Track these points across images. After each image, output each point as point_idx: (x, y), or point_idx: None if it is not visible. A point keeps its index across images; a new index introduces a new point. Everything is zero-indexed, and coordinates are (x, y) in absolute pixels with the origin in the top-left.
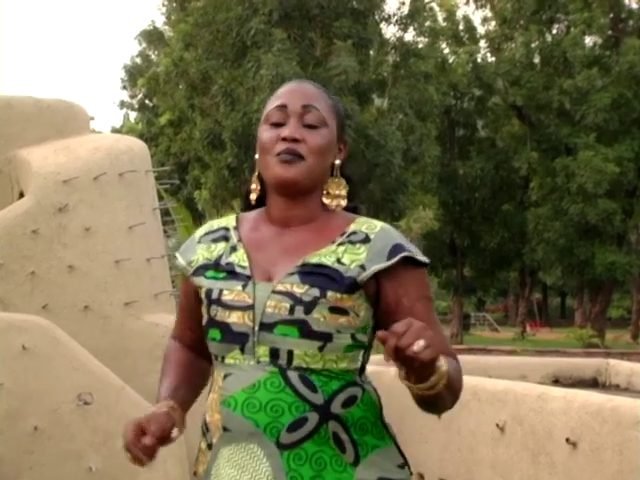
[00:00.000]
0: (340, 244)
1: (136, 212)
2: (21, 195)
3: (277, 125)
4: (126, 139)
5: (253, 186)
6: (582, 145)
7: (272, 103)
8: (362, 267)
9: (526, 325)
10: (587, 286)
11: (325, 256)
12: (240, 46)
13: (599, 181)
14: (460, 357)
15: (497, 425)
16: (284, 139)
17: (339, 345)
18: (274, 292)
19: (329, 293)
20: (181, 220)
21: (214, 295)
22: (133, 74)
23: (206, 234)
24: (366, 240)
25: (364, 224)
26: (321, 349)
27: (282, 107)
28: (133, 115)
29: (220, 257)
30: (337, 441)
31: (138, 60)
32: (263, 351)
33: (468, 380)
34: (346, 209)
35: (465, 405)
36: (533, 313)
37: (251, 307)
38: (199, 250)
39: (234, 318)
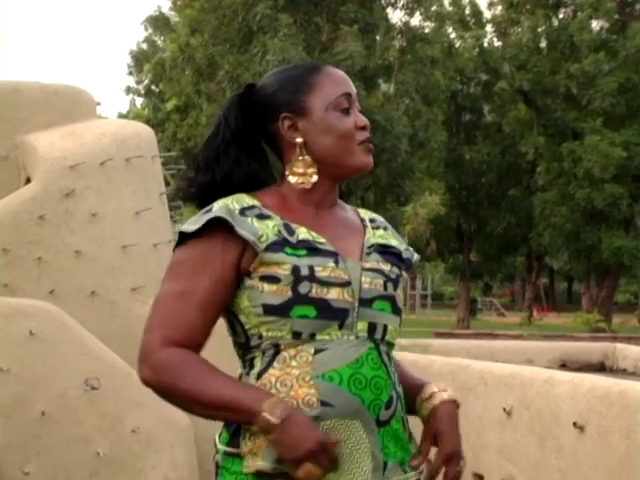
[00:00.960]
0: (374, 228)
1: (143, 197)
2: (28, 181)
3: (347, 112)
4: (132, 124)
5: (310, 170)
6: (589, 130)
7: (333, 89)
8: (408, 250)
9: (533, 310)
10: (594, 271)
11: (377, 238)
12: (246, 31)
13: (606, 166)
14: (467, 342)
15: (504, 409)
16: (364, 128)
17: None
18: (364, 269)
19: (403, 272)
20: (187, 205)
21: (304, 272)
22: (139, 60)
23: (244, 209)
24: (385, 226)
25: (367, 212)
26: (400, 324)
27: (348, 95)
28: (139, 101)
29: (281, 234)
30: (402, 419)
31: (144, 46)
32: (362, 326)
33: (475, 365)
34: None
35: (472, 389)
36: (540, 298)
37: (349, 283)
38: (255, 224)
39: (333, 294)
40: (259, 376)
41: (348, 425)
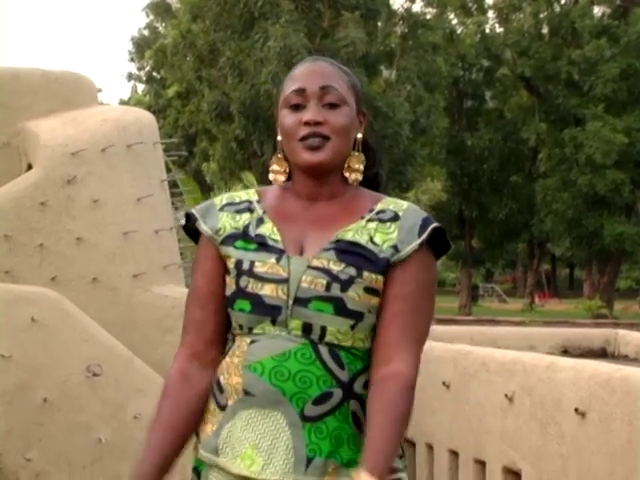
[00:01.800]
0: (369, 220)
1: (144, 184)
2: (29, 167)
3: (297, 108)
4: (134, 111)
5: (277, 167)
6: (590, 116)
7: (289, 86)
8: (395, 247)
9: (535, 296)
10: (596, 257)
11: (357, 233)
12: (248, 17)
13: (608, 152)
14: (469, 328)
15: (506, 395)
16: (307, 123)
17: (368, 325)
18: (310, 267)
19: (365, 273)
20: (189, 192)
21: (245, 266)
22: (141, 46)
23: (228, 204)
24: (395, 218)
25: (391, 203)
26: (353, 327)
27: (300, 91)
28: (141, 87)
29: (247, 228)
30: (355, 421)
31: (146, 32)
32: (296, 325)
33: (477, 351)
34: (368, 176)
35: (474, 376)
36: (542, 284)
37: (286, 281)
38: (223, 218)
39: (267, 290)
40: (221, 361)
41: (269, 416)
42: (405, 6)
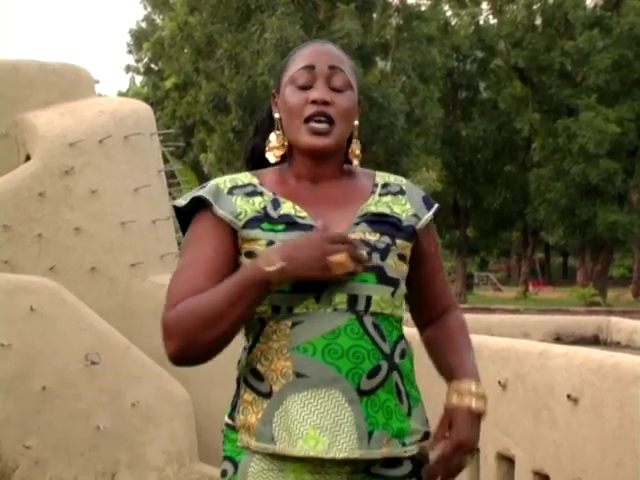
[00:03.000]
0: (381, 194)
1: (141, 174)
2: (27, 158)
3: (304, 88)
4: (131, 102)
5: (275, 143)
6: (583, 106)
7: (297, 63)
8: (415, 216)
9: (529, 284)
10: (589, 245)
11: (377, 205)
12: (244, 10)
13: (600, 141)
14: (464, 316)
15: (499, 382)
16: (314, 102)
17: (402, 292)
18: None
19: (398, 241)
20: (187, 182)
21: None
22: (139, 38)
23: (235, 187)
24: (402, 191)
25: (388, 177)
26: (392, 294)
27: (310, 68)
28: (139, 79)
29: (265, 210)
30: (398, 391)
31: (143, 24)
32: (340, 298)
33: (471, 338)
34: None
35: None
36: (535, 272)
37: None
38: (238, 202)
39: None
40: (250, 350)
41: (327, 395)
42: None
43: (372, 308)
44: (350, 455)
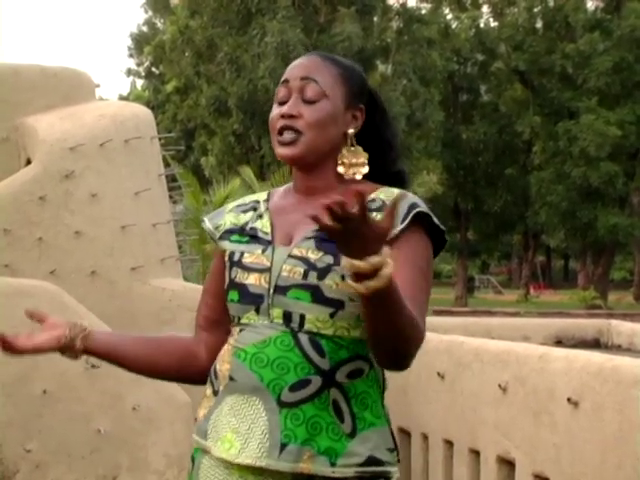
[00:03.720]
0: None
1: (142, 178)
2: (28, 162)
3: (282, 103)
4: (131, 106)
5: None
6: (584, 109)
7: (280, 80)
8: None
9: (530, 287)
10: (590, 248)
11: None
12: (245, 13)
13: (601, 144)
14: (464, 319)
15: (499, 385)
16: (282, 116)
17: (351, 313)
18: (290, 256)
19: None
20: (187, 186)
21: (235, 257)
22: (140, 42)
23: (237, 206)
24: (382, 208)
25: (383, 192)
26: (332, 315)
27: (285, 82)
28: (140, 83)
29: (246, 224)
30: (337, 410)
31: (144, 28)
32: (277, 313)
33: (471, 342)
34: (389, 174)
35: (468, 366)
36: (536, 275)
37: (268, 270)
38: (227, 217)
39: (251, 280)
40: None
41: (249, 401)
42: (400, 1)
43: (306, 327)
44: (254, 463)
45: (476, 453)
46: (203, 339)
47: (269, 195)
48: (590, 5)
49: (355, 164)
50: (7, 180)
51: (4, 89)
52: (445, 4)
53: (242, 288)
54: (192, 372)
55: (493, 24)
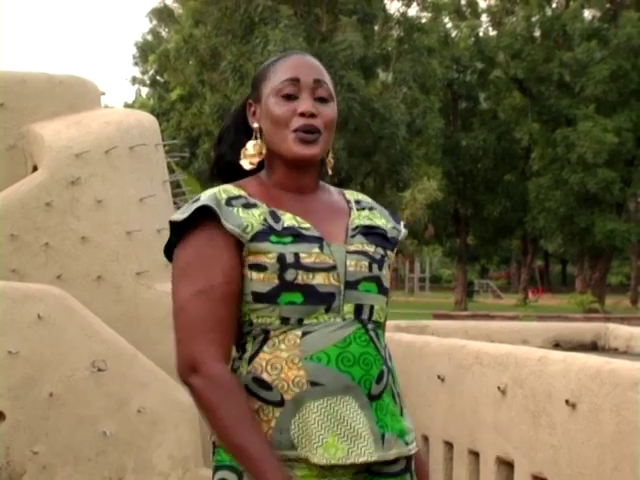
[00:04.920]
0: (359, 209)
1: (146, 184)
2: (35, 169)
3: (289, 97)
4: (136, 113)
5: (252, 152)
6: (582, 116)
7: (280, 75)
8: (395, 228)
9: (528, 291)
10: (587, 253)
11: (362, 219)
12: (248, 23)
13: (598, 151)
14: (464, 323)
15: (499, 388)
16: (302, 114)
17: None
18: (348, 252)
19: (388, 252)
20: (191, 192)
21: (289, 259)
22: (144, 51)
23: (231, 199)
24: (373, 207)
25: (354, 194)
26: (387, 303)
27: (294, 80)
28: (145, 91)
29: (267, 222)
30: (392, 393)
31: (149, 37)
32: (348, 308)
33: (471, 345)
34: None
35: (468, 369)
36: (535, 280)
37: (334, 267)
38: (241, 214)
39: (319, 279)
40: (250, 360)
41: (342, 402)
42: (401, 10)
43: (374, 317)
44: (369, 459)
45: (476, 454)
46: (227, 355)
47: (243, 189)
48: (587, 14)
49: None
50: (14, 186)
51: (11, 97)
52: (445, 13)
53: (308, 289)
54: None
55: (492, 33)
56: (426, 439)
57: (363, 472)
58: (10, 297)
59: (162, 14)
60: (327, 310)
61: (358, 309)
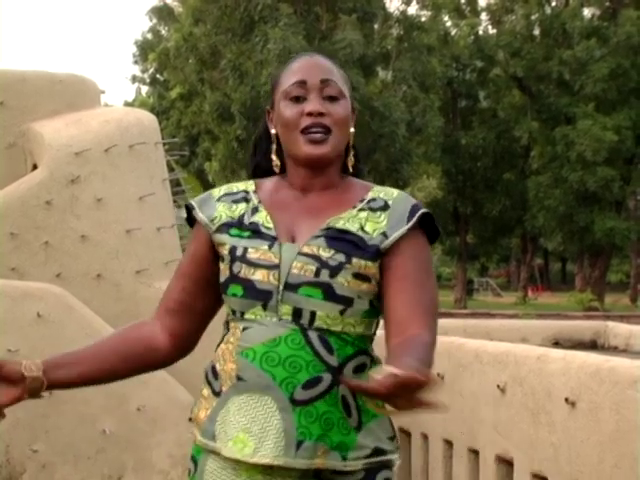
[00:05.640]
0: (360, 210)
1: (146, 183)
2: (34, 167)
3: (297, 100)
4: (135, 112)
5: (275, 157)
6: (581, 114)
7: (289, 79)
8: (384, 234)
9: (528, 290)
10: (587, 251)
11: (348, 221)
12: (248, 21)
13: (598, 149)
14: (463, 321)
15: (498, 386)
16: (309, 114)
17: (358, 310)
18: (300, 254)
19: (354, 260)
20: (191, 190)
21: (238, 252)
22: (144, 49)
23: (225, 195)
24: (385, 207)
25: (381, 191)
26: (342, 312)
27: (302, 83)
28: (145, 89)
29: (242, 217)
30: (345, 405)
31: (149, 35)
32: (286, 310)
33: (470, 343)
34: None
35: (467, 367)
36: (535, 278)
37: (277, 266)
38: (220, 208)
39: (258, 276)
40: (216, 349)
41: (260, 400)
42: (401, 9)
43: (317, 323)
44: (272, 462)
45: (475, 453)
46: (168, 326)
47: (256, 186)
48: (587, 13)
49: (352, 162)
50: (14, 185)
51: (11, 95)
52: (444, 12)
53: (247, 283)
54: (152, 367)
55: (492, 31)
56: (425, 437)
57: (311, 477)
58: (10, 295)
59: (162, 12)
60: (264, 308)
61: (297, 312)
